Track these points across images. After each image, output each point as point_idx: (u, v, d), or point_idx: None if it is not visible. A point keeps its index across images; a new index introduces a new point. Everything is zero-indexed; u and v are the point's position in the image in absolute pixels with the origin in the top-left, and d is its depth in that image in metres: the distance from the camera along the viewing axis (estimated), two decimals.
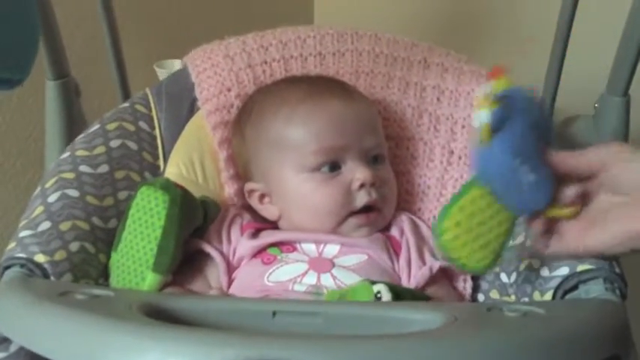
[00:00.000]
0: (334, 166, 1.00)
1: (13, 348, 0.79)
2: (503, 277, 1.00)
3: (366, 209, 1.00)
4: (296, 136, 1.01)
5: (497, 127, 0.81)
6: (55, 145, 1.16)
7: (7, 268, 0.88)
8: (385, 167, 1.04)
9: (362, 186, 0.98)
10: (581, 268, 0.86)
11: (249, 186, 1.06)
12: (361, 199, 0.99)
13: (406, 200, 1.12)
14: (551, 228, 0.87)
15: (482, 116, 0.81)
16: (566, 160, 0.85)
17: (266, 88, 1.10)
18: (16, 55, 0.66)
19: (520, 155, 0.81)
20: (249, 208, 1.08)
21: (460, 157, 1.10)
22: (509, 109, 0.81)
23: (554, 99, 1.23)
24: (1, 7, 0.63)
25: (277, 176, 1.02)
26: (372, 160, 1.02)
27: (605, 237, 0.82)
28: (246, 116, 1.07)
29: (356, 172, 0.99)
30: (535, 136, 0.83)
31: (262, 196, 1.05)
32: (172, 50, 1.23)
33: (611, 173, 0.83)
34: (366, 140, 1.01)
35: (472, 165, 0.87)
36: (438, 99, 1.14)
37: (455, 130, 1.12)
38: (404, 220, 1.05)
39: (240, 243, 1.00)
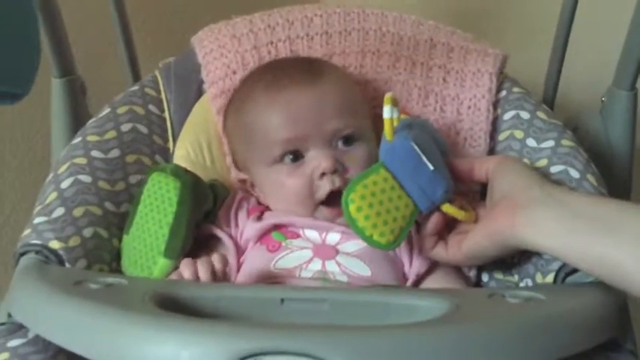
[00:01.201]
0: (296, 157, 0.99)
1: (30, 335, 0.82)
2: (507, 257, 1.02)
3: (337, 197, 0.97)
4: (259, 130, 1.01)
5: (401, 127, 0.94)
6: (61, 143, 1.16)
7: (23, 254, 0.90)
8: (359, 146, 1.01)
9: (323, 174, 0.97)
10: None
11: (238, 175, 1.08)
12: (324, 188, 0.98)
13: None
14: (443, 233, 0.96)
15: (385, 111, 0.92)
16: (460, 165, 0.98)
17: (245, 78, 1.10)
18: (17, 69, 0.67)
19: (420, 146, 0.91)
20: None
21: (465, 139, 1.11)
22: (411, 120, 0.97)
23: (555, 91, 1.23)
24: (3, 24, 0.64)
25: (252, 169, 1.04)
26: (344, 141, 1.00)
27: (474, 240, 0.91)
28: (228, 107, 1.09)
29: (316, 161, 0.98)
30: (433, 143, 0.96)
31: (252, 185, 1.07)
32: (179, 49, 1.24)
33: (490, 184, 0.94)
34: (329, 124, 0.99)
35: (379, 155, 0.94)
36: (444, 79, 1.15)
37: (461, 111, 1.12)
38: None
39: (246, 226, 1.02)
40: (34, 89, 0.71)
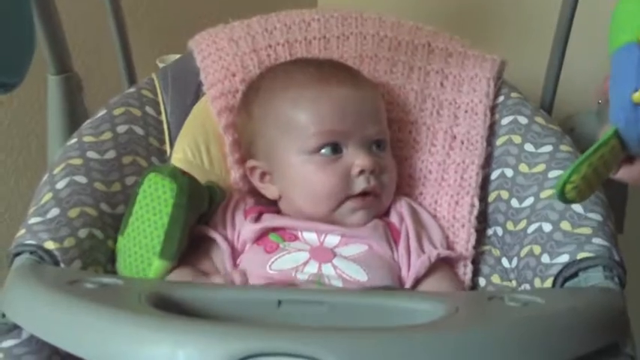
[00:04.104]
0: (335, 149, 1.00)
1: (24, 335, 0.81)
2: (505, 262, 1.02)
3: (363, 194, 1.01)
4: (301, 118, 1.02)
5: None
6: (57, 141, 1.15)
7: (17, 255, 0.89)
8: (386, 154, 1.05)
9: (361, 172, 1.00)
10: (581, 255, 0.88)
11: (251, 163, 1.07)
12: (359, 184, 1.00)
13: (408, 184, 1.12)
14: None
15: None
16: None
17: (276, 67, 1.11)
18: (11, 59, 0.66)
19: None
20: (253, 193, 1.08)
21: (462, 142, 1.10)
22: None
23: (554, 94, 1.22)
24: None
25: (279, 156, 1.03)
26: (375, 146, 1.03)
27: None
28: (254, 94, 1.08)
29: (356, 158, 1.00)
30: None
31: (263, 175, 1.06)
32: (175, 45, 1.23)
33: None
34: (368, 128, 1.02)
35: (614, 117, 0.75)
36: (442, 84, 1.14)
37: (458, 115, 1.12)
38: (403, 205, 1.05)
39: (243, 227, 1.01)
40: (29, 87, 0.70)
